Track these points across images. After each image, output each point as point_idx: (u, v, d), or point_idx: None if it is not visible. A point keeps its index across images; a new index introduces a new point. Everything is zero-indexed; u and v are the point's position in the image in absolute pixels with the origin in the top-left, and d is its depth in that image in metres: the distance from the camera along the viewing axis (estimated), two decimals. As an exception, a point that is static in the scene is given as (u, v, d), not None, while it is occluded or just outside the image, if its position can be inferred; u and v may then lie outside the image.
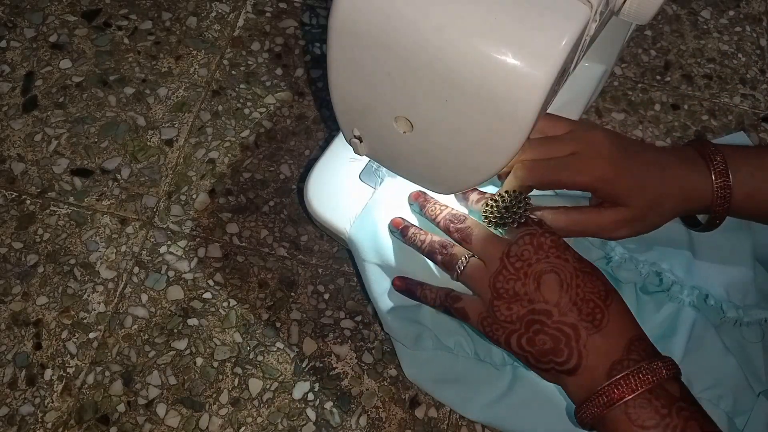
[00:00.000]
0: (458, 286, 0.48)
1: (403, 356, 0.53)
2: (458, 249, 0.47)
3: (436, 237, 0.49)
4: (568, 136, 0.48)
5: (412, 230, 0.50)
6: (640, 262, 0.52)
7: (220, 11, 0.70)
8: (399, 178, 0.51)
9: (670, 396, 0.38)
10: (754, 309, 0.52)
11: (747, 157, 0.48)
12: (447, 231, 0.48)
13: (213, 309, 0.56)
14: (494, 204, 0.46)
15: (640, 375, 0.39)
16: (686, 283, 0.51)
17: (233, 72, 0.67)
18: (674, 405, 0.38)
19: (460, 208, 0.51)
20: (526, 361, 0.42)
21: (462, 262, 0.46)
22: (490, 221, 0.46)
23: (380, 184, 0.54)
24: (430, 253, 0.48)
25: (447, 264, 0.47)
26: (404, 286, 0.50)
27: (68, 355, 0.54)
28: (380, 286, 0.52)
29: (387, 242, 0.52)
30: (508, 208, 0.46)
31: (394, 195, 0.53)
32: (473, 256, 0.46)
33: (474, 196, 0.50)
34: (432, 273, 0.51)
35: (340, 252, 0.59)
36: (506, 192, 0.47)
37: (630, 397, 0.38)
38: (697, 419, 0.38)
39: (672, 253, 0.53)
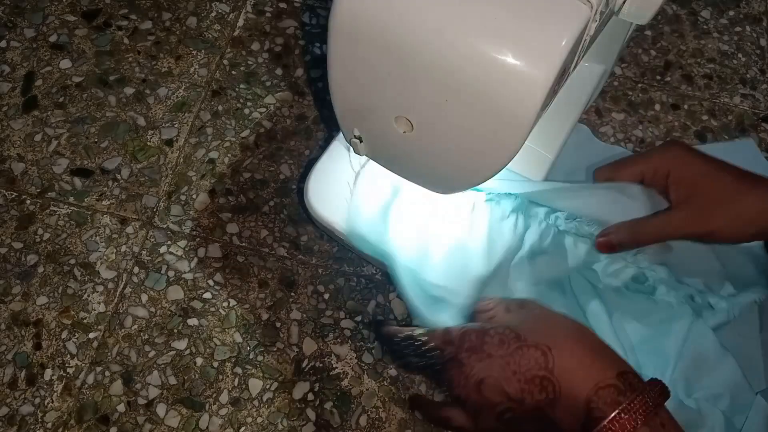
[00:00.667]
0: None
1: None
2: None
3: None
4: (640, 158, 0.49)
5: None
6: (626, 262, 0.52)
7: (220, 11, 0.70)
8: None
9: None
10: (741, 295, 0.51)
11: None
12: None
13: (213, 309, 0.56)
14: (410, 361, 0.46)
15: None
16: (670, 284, 0.51)
17: (233, 72, 0.67)
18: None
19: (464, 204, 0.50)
20: None
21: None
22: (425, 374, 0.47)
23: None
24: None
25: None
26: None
27: (68, 355, 0.54)
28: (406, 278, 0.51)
29: (381, 237, 0.51)
30: (419, 356, 0.44)
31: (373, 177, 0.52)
32: None
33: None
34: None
35: (340, 252, 0.59)
36: (403, 340, 0.45)
37: None
38: None
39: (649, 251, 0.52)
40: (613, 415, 0.36)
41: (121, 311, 0.56)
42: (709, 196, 0.47)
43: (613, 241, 0.49)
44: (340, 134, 0.55)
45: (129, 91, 0.65)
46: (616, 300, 0.52)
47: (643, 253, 0.52)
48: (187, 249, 0.58)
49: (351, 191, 0.54)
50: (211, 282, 0.57)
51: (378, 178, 0.52)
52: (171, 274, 0.57)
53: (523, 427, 0.41)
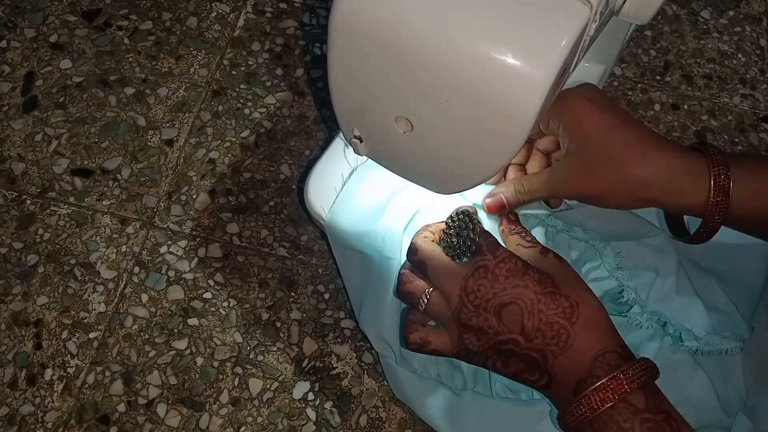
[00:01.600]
0: None
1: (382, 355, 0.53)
2: (419, 283, 0.45)
3: (407, 267, 0.47)
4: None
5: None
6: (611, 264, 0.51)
7: (220, 11, 0.70)
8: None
9: (633, 409, 0.38)
10: (714, 338, 0.50)
11: (748, 162, 0.44)
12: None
13: (213, 309, 0.56)
14: (447, 234, 0.45)
15: (600, 394, 0.39)
16: (647, 308, 0.50)
17: (233, 72, 0.67)
18: (637, 417, 0.38)
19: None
20: (506, 376, 0.43)
21: (424, 298, 0.44)
22: (448, 254, 0.45)
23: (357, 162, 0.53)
24: (396, 287, 0.47)
25: (408, 299, 0.45)
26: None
27: (68, 355, 0.54)
28: (356, 276, 0.51)
29: (369, 227, 0.50)
30: (459, 236, 0.44)
31: (374, 176, 0.52)
32: (434, 289, 0.44)
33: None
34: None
35: (340, 252, 0.59)
36: (456, 216, 0.45)
37: (593, 416, 0.39)
38: (663, 428, 0.38)
39: (643, 275, 0.51)
40: (614, 374, 0.39)
41: (121, 311, 0.56)
42: (597, 156, 0.44)
43: (501, 201, 0.47)
44: (340, 134, 0.55)
45: (129, 91, 0.65)
46: None
47: (551, 214, 0.51)
48: (187, 249, 0.58)
49: (343, 182, 0.54)
50: (211, 282, 0.57)
51: (375, 176, 0.52)
52: (171, 274, 0.57)
53: (510, 364, 0.42)
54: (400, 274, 0.46)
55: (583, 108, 0.44)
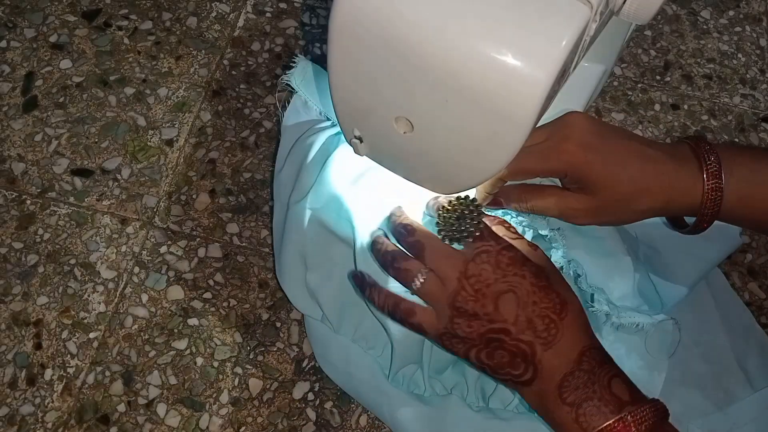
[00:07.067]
0: None
1: (312, 326, 0.54)
2: (414, 263, 0.44)
3: (392, 245, 0.46)
4: (544, 125, 0.46)
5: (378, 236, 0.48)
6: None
7: (220, 11, 0.70)
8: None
9: (618, 401, 0.39)
10: (629, 311, 0.50)
11: (742, 157, 0.46)
12: (399, 243, 0.46)
13: (213, 309, 0.56)
14: (446, 215, 0.44)
15: (585, 388, 0.40)
16: (567, 254, 0.49)
17: (233, 72, 0.67)
18: (624, 409, 0.39)
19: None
20: (482, 371, 0.43)
21: (419, 279, 0.43)
22: (444, 235, 0.44)
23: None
24: (383, 264, 0.46)
25: (402, 278, 0.44)
26: (358, 280, 0.48)
27: (68, 355, 0.54)
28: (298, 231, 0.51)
29: (329, 189, 0.50)
30: (461, 219, 0.44)
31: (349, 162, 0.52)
32: (429, 270, 0.43)
33: (431, 202, 0.48)
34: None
35: (340, 252, 0.59)
36: (457, 200, 0.45)
37: (579, 409, 0.39)
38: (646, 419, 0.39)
39: (575, 232, 0.51)
40: (621, 415, 0.39)
41: (121, 311, 0.56)
42: (608, 198, 0.45)
43: (503, 203, 0.48)
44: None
45: (129, 91, 0.65)
46: None
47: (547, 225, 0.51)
48: (187, 249, 0.58)
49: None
50: (211, 282, 0.57)
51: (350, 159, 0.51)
52: (171, 274, 0.57)
53: (495, 355, 0.42)
54: (387, 253, 0.45)
55: (580, 156, 0.44)
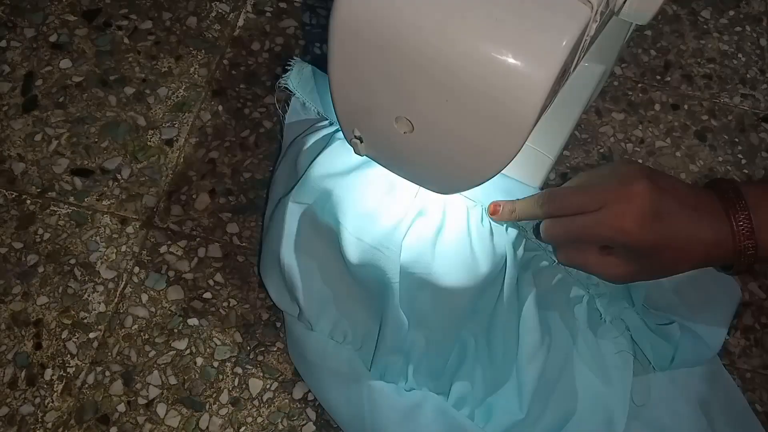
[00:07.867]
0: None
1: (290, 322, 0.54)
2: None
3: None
4: (603, 175, 0.46)
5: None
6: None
7: (220, 11, 0.70)
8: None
9: None
10: (615, 302, 0.51)
11: None
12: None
13: (213, 309, 0.56)
14: None
15: None
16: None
17: (233, 72, 0.67)
18: None
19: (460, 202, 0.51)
20: None
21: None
22: None
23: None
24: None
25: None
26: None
27: (68, 355, 0.54)
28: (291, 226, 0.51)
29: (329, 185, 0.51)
30: None
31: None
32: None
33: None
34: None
35: (341, 252, 0.59)
36: None
37: None
38: None
39: None
40: None
41: (121, 311, 0.56)
42: (650, 263, 0.46)
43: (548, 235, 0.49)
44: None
45: (129, 91, 0.65)
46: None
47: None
48: (187, 249, 0.58)
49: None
50: (211, 282, 0.57)
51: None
52: (171, 274, 0.57)
53: None
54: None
55: (635, 236, 0.43)
